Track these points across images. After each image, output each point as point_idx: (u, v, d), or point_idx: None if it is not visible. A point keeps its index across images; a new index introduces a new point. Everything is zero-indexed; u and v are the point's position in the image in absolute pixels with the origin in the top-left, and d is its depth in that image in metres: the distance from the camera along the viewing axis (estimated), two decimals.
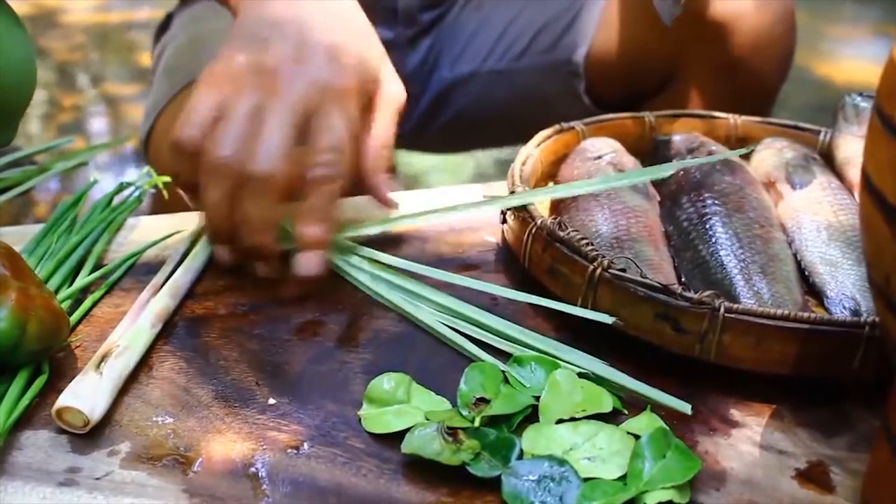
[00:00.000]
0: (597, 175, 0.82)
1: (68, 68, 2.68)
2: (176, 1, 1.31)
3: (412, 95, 1.28)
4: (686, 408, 0.61)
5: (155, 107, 1.13)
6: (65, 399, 0.58)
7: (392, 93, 0.76)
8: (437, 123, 1.33)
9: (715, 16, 1.14)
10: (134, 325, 0.66)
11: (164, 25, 1.30)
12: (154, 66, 1.26)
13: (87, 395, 0.59)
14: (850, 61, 2.70)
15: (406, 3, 1.26)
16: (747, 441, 0.61)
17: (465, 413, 0.60)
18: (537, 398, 0.61)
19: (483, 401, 0.61)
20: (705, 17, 1.14)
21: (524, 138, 0.87)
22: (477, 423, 0.59)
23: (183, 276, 0.73)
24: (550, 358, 0.65)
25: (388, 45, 1.25)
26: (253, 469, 0.57)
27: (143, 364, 0.65)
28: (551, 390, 0.61)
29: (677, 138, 0.89)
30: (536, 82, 1.25)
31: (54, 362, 0.64)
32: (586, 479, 0.55)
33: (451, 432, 0.57)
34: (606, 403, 0.61)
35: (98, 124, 2.48)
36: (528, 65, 1.24)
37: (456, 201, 0.79)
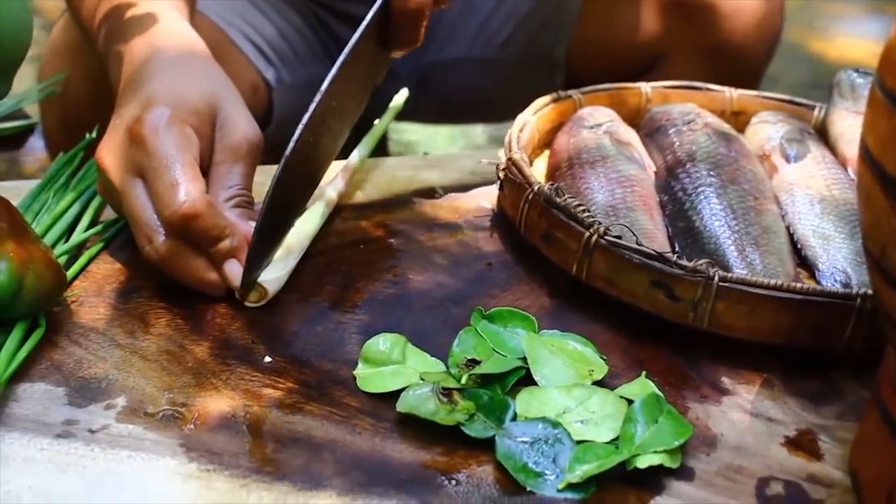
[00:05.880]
0: (593, 144, 0.83)
1: None
2: None
3: (395, 73, 1.27)
4: None
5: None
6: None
7: (236, 138, 0.70)
8: (424, 101, 1.32)
9: None
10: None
11: None
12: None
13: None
14: (844, 38, 2.69)
15: None
16: (738, 408, 0.62)
17: (453, 372, 0.61)
18: (523, 359, 0.62)
19: (474, 362, 0.61)
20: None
21: (511, 119, 0.87)
22: (464, 381, 0.59)
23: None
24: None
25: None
26: (248, 425, 0.57)
27: (140, 320, 0.65)
28: (531, 354, 0.62)
29: (673, 109, 0.89)
30: (520, 72, 1.25)
31: (51, 317, 0.64)
32: (579, 442, 0.56)
33: (446, 393, 0.58)
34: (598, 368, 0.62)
35: None
36: (512, 55, 1.24)
37: (450, 167, 0.79)
